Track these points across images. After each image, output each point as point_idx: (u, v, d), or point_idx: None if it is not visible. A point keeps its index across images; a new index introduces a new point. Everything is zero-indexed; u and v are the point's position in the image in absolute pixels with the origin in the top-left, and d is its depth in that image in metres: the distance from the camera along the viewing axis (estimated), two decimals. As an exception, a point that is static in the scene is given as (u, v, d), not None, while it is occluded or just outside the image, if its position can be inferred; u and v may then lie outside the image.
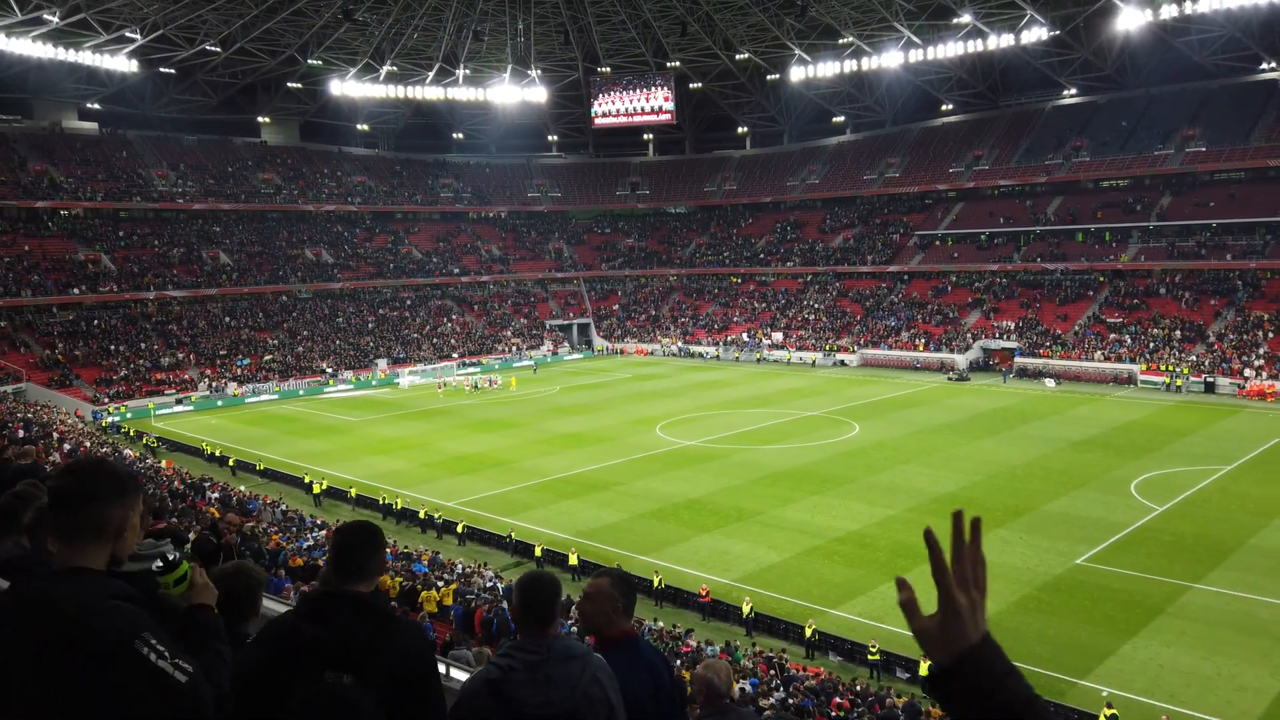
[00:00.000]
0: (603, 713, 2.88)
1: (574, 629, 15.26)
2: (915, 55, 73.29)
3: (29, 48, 60.74)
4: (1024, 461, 36.49)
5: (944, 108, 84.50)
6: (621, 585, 3.62)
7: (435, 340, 73.72)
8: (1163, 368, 54.52)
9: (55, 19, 59.91)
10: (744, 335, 74.59)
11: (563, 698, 2.82)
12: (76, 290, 62.06)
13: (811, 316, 74.30)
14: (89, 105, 74.75)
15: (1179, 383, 52.60)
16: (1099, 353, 58.18)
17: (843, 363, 67.22)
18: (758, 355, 71.12)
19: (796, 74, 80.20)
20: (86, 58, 64.34)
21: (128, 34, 65.39)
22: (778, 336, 72.74)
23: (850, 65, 77.06)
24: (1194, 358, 54.76)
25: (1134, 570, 24.61)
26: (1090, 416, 45.76)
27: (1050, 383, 56.01)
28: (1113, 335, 59.64)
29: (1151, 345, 57.15)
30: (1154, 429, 42.33)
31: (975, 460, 36.90)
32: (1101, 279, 65.42)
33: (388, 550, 3.39)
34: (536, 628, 3.06)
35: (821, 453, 38.93)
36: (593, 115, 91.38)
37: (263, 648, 2.91)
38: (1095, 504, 30.53)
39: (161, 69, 72.75)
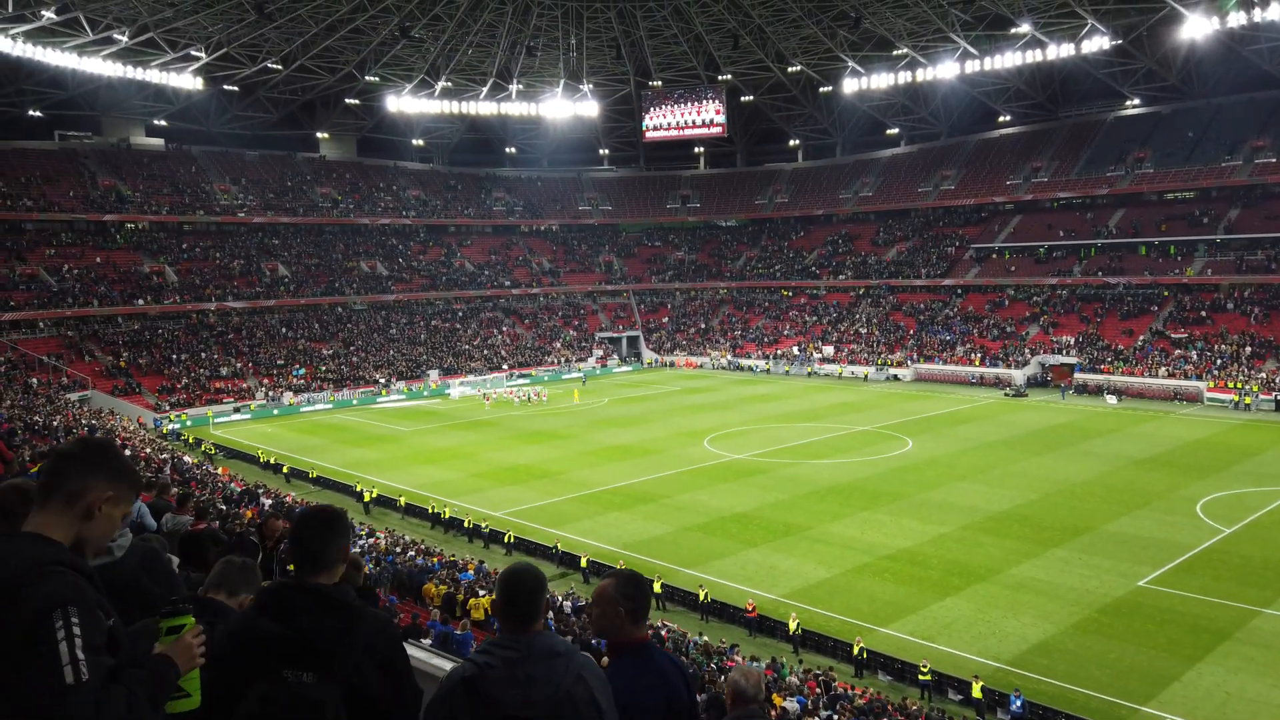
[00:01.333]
0: (589, 715, 2.71)
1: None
2: (971, 66, 72.16)
3: (99, 66, 62.96)
4: (1084, 480, 35.41)
5: (1001, 119, 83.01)
6: (628, 586, 3.35)
7: (486, 352, 74.35)
8: (1231, 385, 52.61)
9: (124, 39, 61.99)
10: (795, 349, 73.89)
11: (544, 698, 2.66)
12: (141, 301, 63.92)
13: (864, 330, 73.35)
14: (156, 122, 77.11)
15: (1248, 400, 50.70)
16: (1163, 369, 56.40)
17: (896, 377, 66.16)
18: (808, 369, 70.37)
19: (849, 86, 79.52)
20: (154, 76, 66.49)
21: (193, 53, 67.47)
22: (829, 350, 71.91)
23: (904, 77, 76.15)
24: (1264, 374, 52.76)
25: (1199, 594, 23.65)
26: (1154, 434, 44.30)
27: (1112, 399, 54.41)
28: (1177, 351, 57.78)
29: (1219, 361, 55.22)
30: (1221, 448, 40.82)
31: (1032, 477, 35.92)
32: (1165, 293, 63.49)
33: (353, 537, 3.26)
34: (518, 624, 2.89)
35: (873, 468, 38.25)
36: (644, 128, 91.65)
37: (219, 646, 2.75)
38: (1158, 524, 29.47)
39: (225, 86, 74.84)
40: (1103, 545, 27.56)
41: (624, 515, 32.52)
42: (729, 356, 76.33)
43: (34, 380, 52.18)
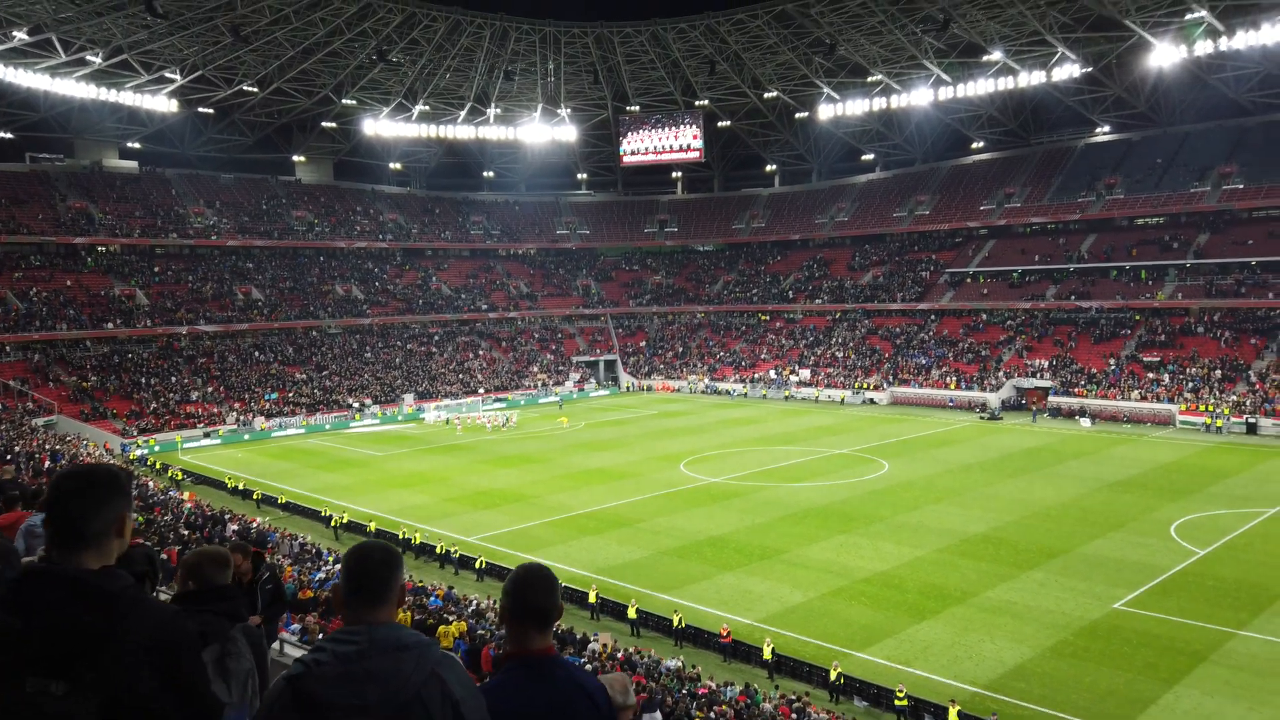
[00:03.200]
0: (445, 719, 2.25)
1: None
2: (945, 93, 73.11)
3: (72, 88, 62.41)
4: (1059, 502, 35.40)
5: (974, 145, 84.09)
6: (510, 582, 2.71)
7: (462, 376, 73.80)
8: (1202, 408, 53.04)
9: (98, 60, 61.59)
10: (771, 373, 73.91)
11: (384, 698, 2.23)
12: (110, 325, 62.96)
13: (840, 354, 73.54)
14: (129, 145, 76.40)
15: (1219, 423, 51.11)
16: (1136, 392, 56.83)
17: (872, 401, 66.26)
18: (785, 393, 70.36)
19: (825, 112, 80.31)
20: (127, 98, 65.99)
21: (168, 75, 67.10)
22: (805, 374, 71.97)
23: (879, 103, 77.02)
24: (1235, 397, 53.25)
25: (1175, 615, 23.55)
26: (1128, 457, 44.48)
27: (1086, 422, 54.70)
28: (1150, 374, 58.26)
29: (1190, 385, 55.71)
30: (1194, 470, 41.02)
31: (1008, 500, 35.88)
32: (1137, 317, 64.14)
33: (130, 501, 2.53)
34: (360, 609, 2.41)
35: (849, 491, 38.09)
36: (621, 153, 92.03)
37: None
38: (1133, 546, 29.44)
39: (200, 109, 74.41)
40: (1078, 567, 27.47)
41: (598, 539, 32.10)
42: (706, 380, 76.22)
43: (-2, 405, 51.13)
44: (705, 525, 33.34)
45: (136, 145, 76.64)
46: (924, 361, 68.51)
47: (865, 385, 67.75)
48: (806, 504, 36.01)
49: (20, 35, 56.05)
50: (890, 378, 67.89)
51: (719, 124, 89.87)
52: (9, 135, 68.51)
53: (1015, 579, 26.53)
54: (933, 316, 73.71)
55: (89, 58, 61.11)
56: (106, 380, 59.07)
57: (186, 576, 3.21)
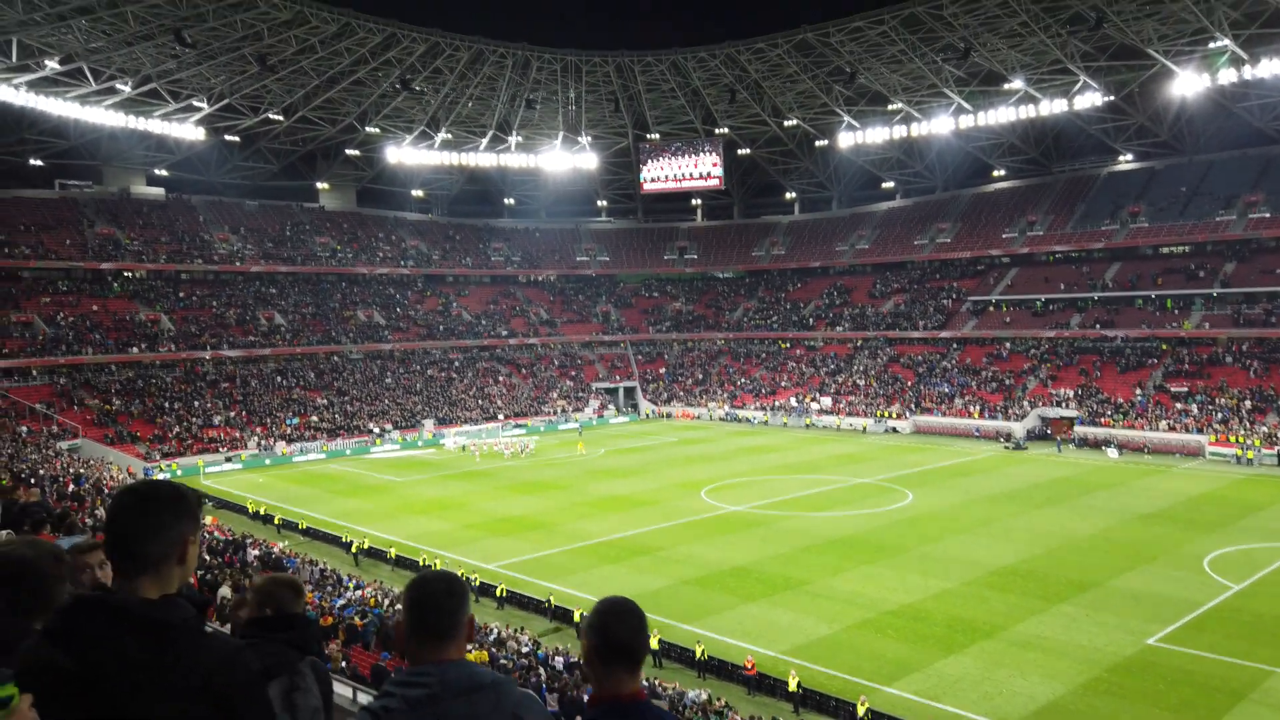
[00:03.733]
0: None
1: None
2: (966, 121, 73.11)
3: (102, 116, 63.47)
4: (1088, 534, 34.78)
5: (996, 173, 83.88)
6: (596, 616, 2.47)
7: (482, 402, 73.86)
8: (1232, 439, 52.16)
9: (127, 89, 62.65)
10: (792, 400, 73.48)
11: None
12: (135, 349, 63.54)
13: (862, 382, 73.05)
14: (156, 172, 77.50)
15: (1250, 455, 50.22)
16: (1164, 422, 56.00)
17: (894, 429, 65.66)
18: (806, 421, 69.87)
19: (845, 140, 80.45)
20: (156, 126, 67.04)
21: (195, 103, 68.15)
22: (826, 401, 71.50)
23: (900, 131, 77.11)
24: (1265, 429, 52.35)
25: (1211, 652, 22.94)
26: (1157, 488, 43.73)
27: (1113, 452, 53.90)
28: (1178, 405, 57.44)
29: (1220, 415, 54.85)
30: (1226, 502, 40.25)
31: (1035, 531, 35.29)
32: (1164, 346, 63.38)
33: (197, 526, 2.24)
34: (428, 646, 2.24)
35: (873, 521, 37.61)
36: (641, 181, 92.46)
37: None
38: (1166, 580, 28.81)
39: (227, 137, 75.46)
40: (1110, 601, 26.89)
41: (619, 568, 31.79)
42: (726, 408, 75.86)
43: (24, 428, 51.56)
44: (728, 554, 32.96)
45: (164, 172, 77.74)
46: (947, 390, 67.91)
47: (888, 414, 67.18)
48: (830, 534, 35.56)
49: (52, 64, 57.15)
50: (913, 406, 67.31)
51: (739, 152, 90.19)
52: (39, 163, 69.66)
53: (1045, 613, 25.98)
54: (955, 345, 73.18)
55: (119, 86, 62.18)
56: (130, 404, 59.51)
57: (260, 602, 3.05)
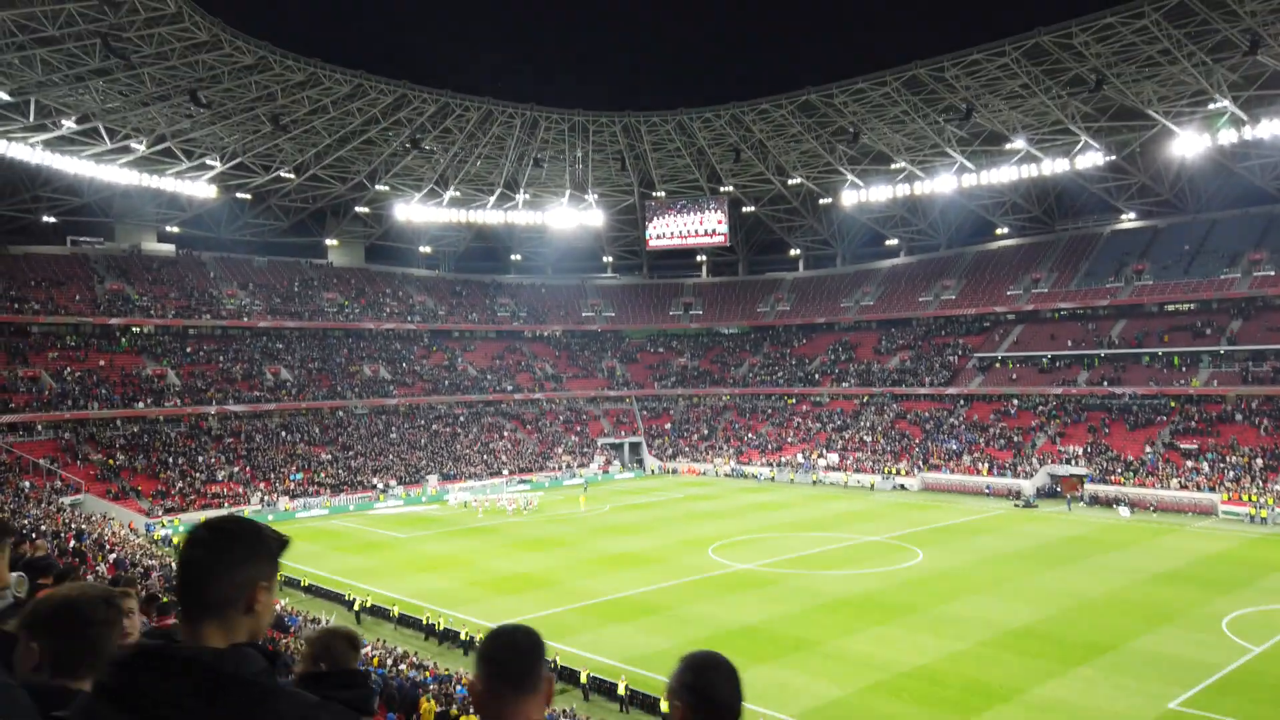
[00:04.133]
0: None
1: None
2: (969, 180, 73.87)
3: (115, 174, 64.35)
4: (1102, 594, 34.15)
5: (999, 231, 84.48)
6: (688, 674, 2.30)
7: (487, 457, 73.48)
8: (1245, 497, 51.57)
9: (142, 147, 63.67)
10: (799, 456, 73.01)
11: None
12: (141, 404, 63.49)
13: (868, 438, 72.64)
14: (167, 228, 78.33)
15: (1264, 514, 49.57)
16: (1175, 480, 55.43)
17: (902, 486, 65.08)
18: (813, 477, 69.32)
19: (849, 198, 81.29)
20: (169, 184, 67.94)
21: (208, 161, 69.19)
22: (833, 458, 71.02)
23: (903, 190, 77.93)
24: (1278, 487, 51.75)
25: (1235, 717, 22.31)
26: (1171, 548, 43.09)
27: (1124, 511, 53.26)
28: (1188, 462, 56.92)
29: (1231, 474, 54.30)
30: (1242, 562, 39.60)
31: (1049, 591, 34.66)
32: (1172, 404, 63.06)
33: (272, 570, 2.06)
34: (505, 690, 2.14)
35: (884, 580, 37.00)
36: (647, 237, 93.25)
37: None
38: (1185, 641, 28.18)
39: (238, 194, 76.46)
40: (1129, 664, 26.27)
41: (627, 627, 31.22)
42: (732, 463, 75.37)
43: (27, 483, 51.26)
44: (736, 613, 32.38)
45: (174, 229, 78.55)
46: (955, 447, 67.45)
47: (895, 470, 66.65)
48: (840, 593, 34.99)
49: (68, 124, 58.16)
50: (920, 463, 66.80)
51: (744, 209, 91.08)
52: (51, 219, 70.48)
53: (1063, 675, 25.37)
54: (962, 401, 72.91)
55: (133, 145, 63.19)
56: (134, 459, 59.26)
57: (315, 656, 2.88)
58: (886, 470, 67.01)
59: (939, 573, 38.10)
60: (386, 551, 45.94)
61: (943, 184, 75.52)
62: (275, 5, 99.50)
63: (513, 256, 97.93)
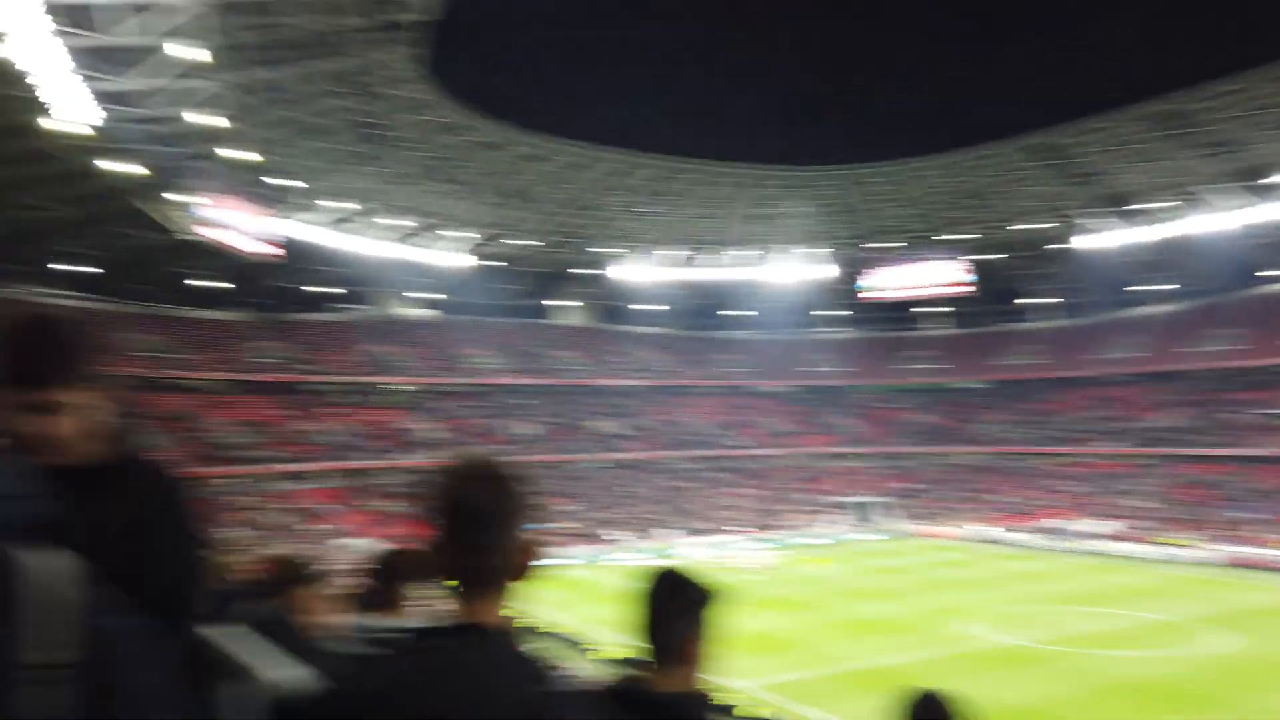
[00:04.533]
0: None
1: None
2: (1237, 219, 66.40)
3: (384, 249, 71.10)
4: None
5: (1276, 273, 74.86)
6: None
7: (713, 513, 72.92)
8: None
9: (413, 223, 70.10)
10: (1058, 522, 66.82)
11: None
12: (406, 457, 68.34)
13: (1141, 504, 65.40)
14: (421, 295, 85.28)
15: None
16: None
17: (1189, 558, 57.68)
18: (1073, 544, 63.06)
19: (1090, 242, 75.44)
20: (434, 256, 74.27)
21: (464, 234, 75.08)
22: (1100, 525, 64.36)
23: (1157, 231, 71.23)
24: None
25: None
26: None
27: None
28: None
29: None
30: None
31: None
32: None
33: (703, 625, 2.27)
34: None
35: (1186, 665, 32.42)
36: (871, 289, 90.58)
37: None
38: None
39: (485, 261, 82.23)
40: None
41: (882, 701, 28.99)
42: (980, 526, 70.23)
43: (301, 527, 56.16)
44: (1005, 693, 29.23)
45: (424, 294, 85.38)
46: (1250, 516, 59.22)
47: (1180, 541, 59.23)
48: (1131, 676, 30.96)
49: (349, 206, 65.07)
50: (1209, 532, 59.09)
51: (979, 257, 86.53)
52: (322, 290, 78.80)
53: None
54: (1254, 463, 64.19)
55: (400, 222, 69.66)
56: (397, 505, 63.57)
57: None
58: (1170, 541, 59.63)
59: (1258, 658, 32.89)
60: (616, 605, 45.97)
61: (1203, 224, 68.24)
62: (512, 89, 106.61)
63: (734, 312, 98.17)
